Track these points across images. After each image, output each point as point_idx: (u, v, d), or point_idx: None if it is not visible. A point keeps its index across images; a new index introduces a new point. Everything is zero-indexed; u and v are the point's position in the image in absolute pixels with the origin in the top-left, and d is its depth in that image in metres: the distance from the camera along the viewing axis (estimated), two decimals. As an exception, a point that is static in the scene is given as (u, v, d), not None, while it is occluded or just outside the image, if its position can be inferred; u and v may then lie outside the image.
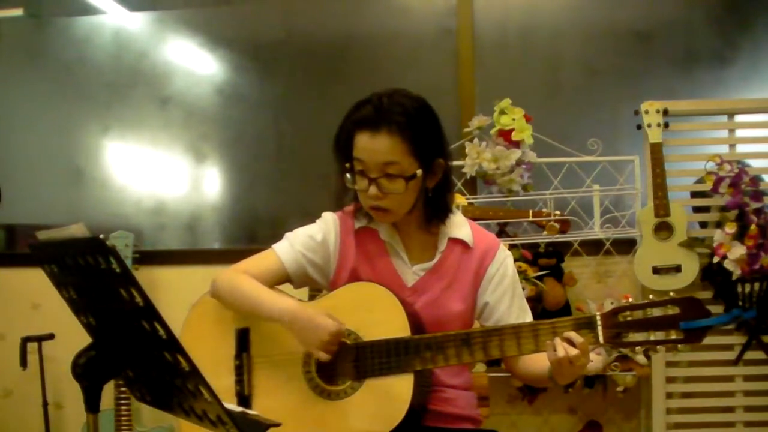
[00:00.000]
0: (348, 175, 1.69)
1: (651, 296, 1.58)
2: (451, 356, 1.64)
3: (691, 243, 2.74)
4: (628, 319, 1.55)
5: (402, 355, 1.63)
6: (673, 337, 1.53)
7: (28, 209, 3.48)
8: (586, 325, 1.57)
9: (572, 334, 1.54)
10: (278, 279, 1.79)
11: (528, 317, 1.80)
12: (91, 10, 3.48)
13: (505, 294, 1.78)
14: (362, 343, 1.67)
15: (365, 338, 1.67)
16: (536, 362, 1.68)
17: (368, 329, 1.67)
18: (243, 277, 1.74)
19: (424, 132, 1.66)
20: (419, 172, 1.65)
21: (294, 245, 1.79)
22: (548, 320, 1.60)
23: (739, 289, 2.72)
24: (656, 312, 1.54)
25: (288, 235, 1.82)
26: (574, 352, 1.51)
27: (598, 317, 1.56)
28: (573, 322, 1.58)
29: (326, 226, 1.81)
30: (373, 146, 1.62)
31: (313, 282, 1.84)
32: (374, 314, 1.67)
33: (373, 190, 1.65)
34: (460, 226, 1.80)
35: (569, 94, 3.23)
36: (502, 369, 1.85)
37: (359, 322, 1.68)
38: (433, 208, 1.75)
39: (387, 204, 1.67)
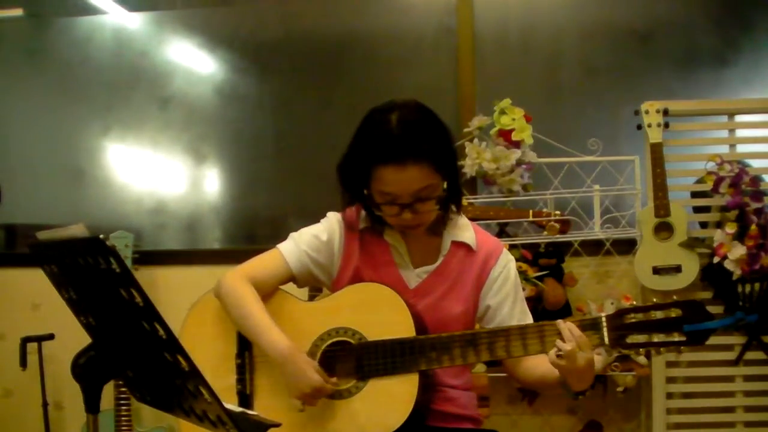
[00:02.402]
0: (372, 207, 1.68)
1: (654, 299, 1.59)
2: (456, 356, 1.64)
3: (691, 243, 2.74)
4: (632, 321, 1.57)
5: (407, 355, 1.63)
6: (676, 339, 1.55)
7: (28, 209, 3.47)
8: (592, 326, 1.58)
9: (562, 328, 1.55)
10: (283, 279, 1.79)
11: (528, 320, 1.80)
12: (92, 10, 3.48)
13: (507, 297, 1.78)
14: (367, 343, 1.67)
15: (369, 338, 1.67)
16: (540, 365, 1.68)
17: (373, 329, 1.67)
18: (247, 292, 1.72)
19: (441, 146, 1.66)
20: (445, 184, 1.66)
21: (299, 245, 1.79)
22: (554, 321, 1.60)
23: (740, 290, 2.72)
24: (659, 315, 1.56)
25: (293, 234, 1.82)
26: (567, 347, 1.52)
27: (604, 319, 1.58)
28: (578, 323, 1.58)
29: (331, 226, 1.81)
30: (403, 178, 1.61)
31: (316, 281, 1.84)
32: (379, 315, 1.67)
33: (407, 215, 1.65)
34: (463, 230, 1.80)
35: (569, 94, 3.23)
36: (503, 369, 1.84)
37: (364, 322, 1.68)
38: (446, 205, 1.74)
39: (419, 221, 1.68)
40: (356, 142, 1.67)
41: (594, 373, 1.61)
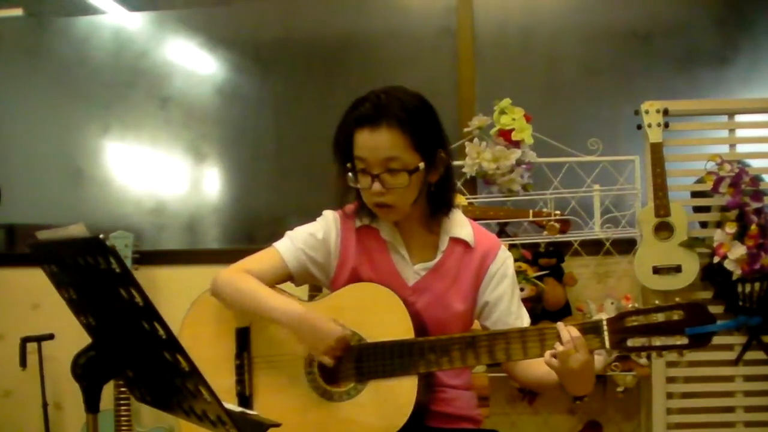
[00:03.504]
0: (350, 175, 1.68)
1: (655, 299, 1.58)
2: (455, 359, 1.63)
3: (691, 243, 2.74)
4: (634, 324, 1.55)
5: (406, 357, 1.63)
6: (678, 342, 1.54)
7: (28, 209, 3.48)
8: (593, 329, 1.57)
9: (561, 329, 1.55)
10: (280, 277, 1.78)
11: (525, 318, 1.80)
12: (91, 10, 3.48)
13: (504, 294, 1.78)
14: (366, 344, 1.66)
15: (369, 339, 1.66)
16: (539, 367, 1.68)
17: (372, 330, 1.66)
18: (246, 277, 1.73)
19: (424, 125, 1.66)
20: (421, 165, 1.65)
21: (295, 243, 1.78)
22: (554, 324, 1.59)
23: (740, 289, 2.72)
24: (661, 317, 1.55)
25: (289, 233, 1.81)
26: (560, 348, 1.52)
27: (605, 322, 1.56)
28: (580, 326, 1.58)
29: (327, 224, 1.81)
30: (374, 142, 1.62)
31: (314, 280, 1.83)
32: (378, 315, 1.67)
33: (376, 186, 1.64)
34: (461, 226, 1.80)
35: (569, 94, 3.23)
36: (503, 369, 1.83)
37: (363, 323, 1.68)
38: (436, 203, 1.75)
39: (390, 200, 1.67)
40: (347, 110, 1.70)
41: (593, 378, 1.60)
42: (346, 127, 1.68)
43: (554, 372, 1.57)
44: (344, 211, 1.82)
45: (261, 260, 1.79)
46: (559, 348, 1.53)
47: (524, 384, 1.84)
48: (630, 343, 1.56)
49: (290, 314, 1.66)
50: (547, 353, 1.56)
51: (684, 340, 1.53)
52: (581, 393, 1.62)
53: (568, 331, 1.55)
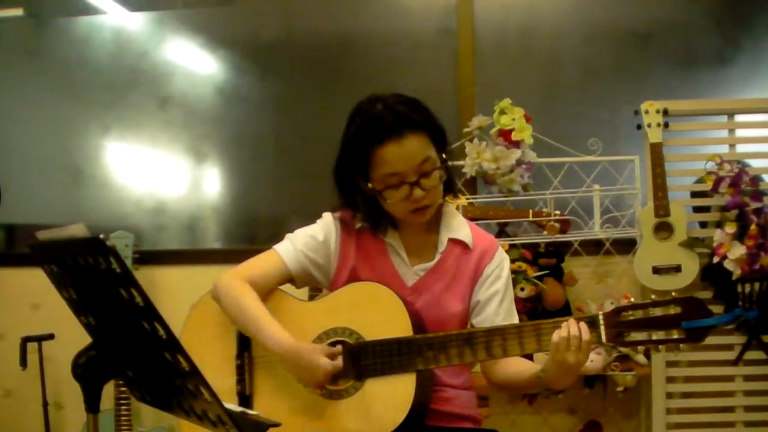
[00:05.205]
0: (379, 200, 1.68)
1: (653, 296, 1.58)
2: (453, 356, 1.64)
3: (691, 243, 2.74)
4: (630, 318, 1.55)
5: (404, 355, 1.63)
6: (675, 336, 1.53)
7: (28, 209, 3.48)
8: (589, 324, 1.56)
9: (584, 326, 1.54)
10: (281, 280, 1.79)
11: (515, 320, 1.79)
12: (91, 10, 3.48)
13: (496, 294, 1.78)
14: (364, 342, 1.67)
15: (367, 338, 1.67)
16: (519, 364, 1.68)
17: (370, 329, 1.67)
18: (246, 291, 1.72)
19: (431, 118, 1.70)
20: (443, 156, 1.70)
21: (296, 245, 1.79)
22: (551, 319, 1.59)
23: (740, 289, 2.72)
24: (658, 312, 1.54)
25: (289, 235, 1.82)
26: (576, 340, 1.52)
27: (601, 316, 1.56)
28: (576, 320, 1.57)
29: (327, 226, 1.81)
30: (405, 152, 1.63)
31: (315, 281, 1.84)
32: (376, 314, 1.67)
33: (418, 192, 1.65)
34: (460, 227, 1.81)
35: (569, 94, 3.23)
36: (481, 369, 1.83)
37: (361, 322, 1.68)
38: (445, 188, 1.76)
39: (429, 200, 1.69)
40: (349, 137, 1.69)
41: (576, 375, 1.59)
42: (359, 149, 1.67)
43: (545, 362, 1.57)
44: (343, 213, 1.83)
45: (262, 264, 1.79)
46: (561, 334, 1.52)
47: (501, 386, 1.82)
48: (626, 338, 1.55)
49: (279, 343, 1.65)
50: (555, 333, 1.54)
51: (681, 335, 1.53)
52: (562, 386, 1.61)
53: (578, 327, 1.54)
